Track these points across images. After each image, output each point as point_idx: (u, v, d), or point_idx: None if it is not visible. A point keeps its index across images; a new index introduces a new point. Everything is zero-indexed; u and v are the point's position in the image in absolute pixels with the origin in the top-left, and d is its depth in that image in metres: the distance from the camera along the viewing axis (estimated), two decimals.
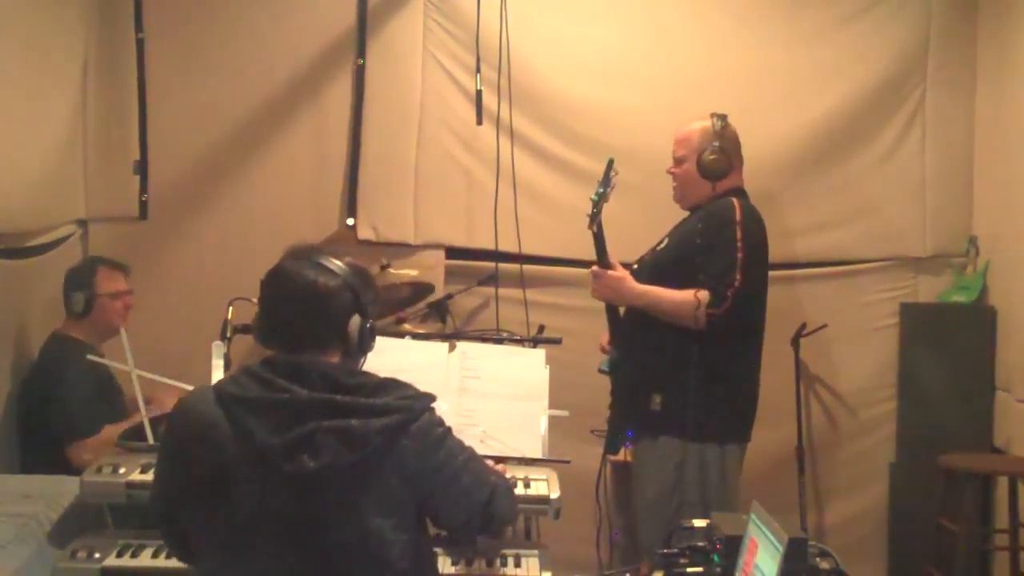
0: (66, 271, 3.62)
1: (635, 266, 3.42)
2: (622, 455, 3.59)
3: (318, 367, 1.93)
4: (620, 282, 3.30)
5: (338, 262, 2.01)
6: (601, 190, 3.22)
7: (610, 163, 3.23)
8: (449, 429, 2.02)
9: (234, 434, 1.86)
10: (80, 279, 3.56)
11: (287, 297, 1.98)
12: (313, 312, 1.97)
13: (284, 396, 1.87)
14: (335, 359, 1.99)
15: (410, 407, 1.92)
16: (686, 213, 3.51)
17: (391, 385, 1.96)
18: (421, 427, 1.93)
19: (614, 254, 3.36)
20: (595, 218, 3.24)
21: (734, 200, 3.30)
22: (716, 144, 3.33)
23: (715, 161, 3.34)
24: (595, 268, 3.32)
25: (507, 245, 4.29)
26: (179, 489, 1.97)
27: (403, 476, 1.90)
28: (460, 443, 2.05)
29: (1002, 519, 4.02)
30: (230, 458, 1.86)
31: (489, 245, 4.30)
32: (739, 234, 3.20)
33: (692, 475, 3.20)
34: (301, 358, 1.94)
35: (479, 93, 4.09)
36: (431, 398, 2.00)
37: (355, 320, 1.99)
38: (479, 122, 4.12)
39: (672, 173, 3.45)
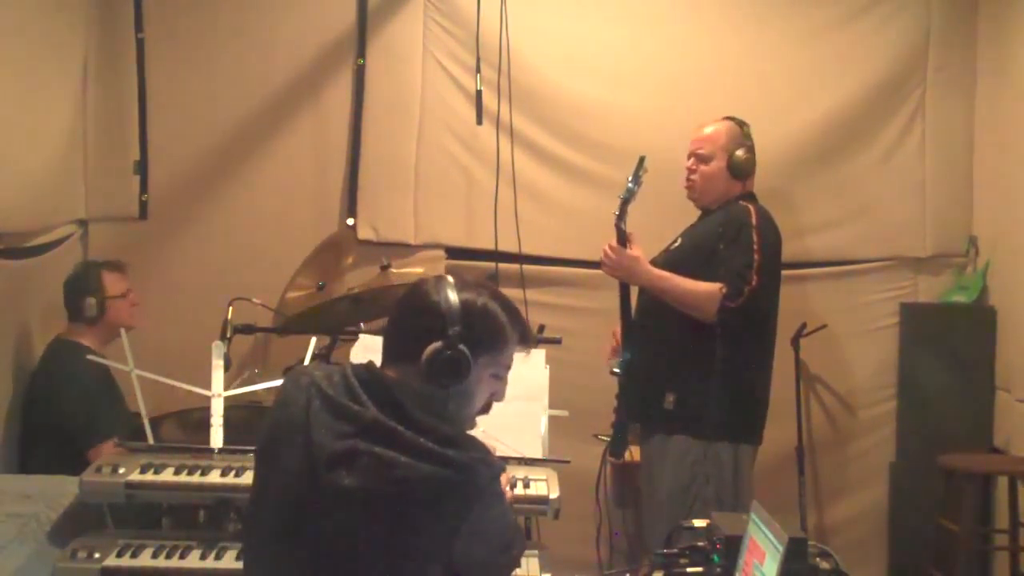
0: (67, 280, 3.60)
1: None
2: (627, 455, 3.58)
3: (397, 392, 1.84)
4: (637, 262, 3.28)
5: (456, 290, 1.88)
6: (631, 187, 3.22)
7: (641, 160, 3.23)
8: (502, 496, 1.91)
9: (301, 424, 1.83)
10: (87, 285, 3.54)
11: (397, 303, 1.95)
12: (403, 323, 1.92)
13: (355, 408, 1.82)
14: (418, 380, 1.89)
15: (471, 468, 1.80)
16: (690, 214, 3.51)
17: (465, 440, 1.85)
18: (479, 491, 1.81)
19: None
20: (623, 215, 3.25)
21: (750, 205, 3.34)
22: (749, 143, 3.39)
23: (748, 161, 3.38)
24: (612, 244, 3.29)
25: (507, 245, 4.28)
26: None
27: (435, 532, 1.79)
28: (503, 510, 1.92)
29: (1002, 519, 4.02)
30: (287, 441, 1.83)
31: (489, 245, 4.29)
32: (755, 237, 3.24)
33: (707, 474, 3.22)
34: (387, 374, 1.88)
35: (479, 93, 4.09)
36: (499, 468, 1.88)
37: (435, 346, 1.85)
38: (479, 122, 4.12)
39: (693, 169, 3.44)
